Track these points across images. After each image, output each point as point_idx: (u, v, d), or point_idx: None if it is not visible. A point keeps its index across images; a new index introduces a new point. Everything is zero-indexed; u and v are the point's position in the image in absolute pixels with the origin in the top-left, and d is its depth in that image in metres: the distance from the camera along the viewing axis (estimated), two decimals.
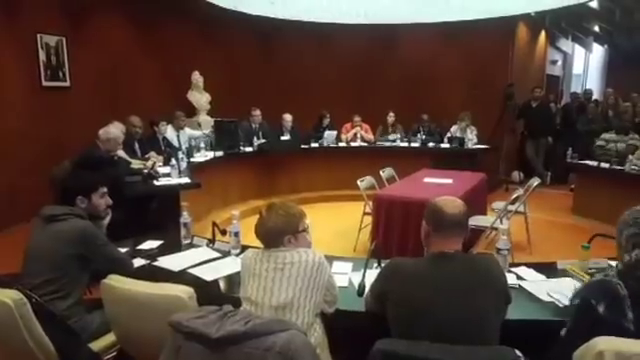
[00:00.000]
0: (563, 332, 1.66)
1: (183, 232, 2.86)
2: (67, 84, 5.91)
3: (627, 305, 1.46)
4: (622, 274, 1.55)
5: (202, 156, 5.72)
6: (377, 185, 5.06)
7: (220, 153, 5.96)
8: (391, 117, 7.50)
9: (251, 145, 6.50)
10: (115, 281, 1.94)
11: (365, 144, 7.34)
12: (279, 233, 1.85)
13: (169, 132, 5.83)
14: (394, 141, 7.27)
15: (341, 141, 7.32)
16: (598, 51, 12.15)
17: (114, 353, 2.20)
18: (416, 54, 8.36)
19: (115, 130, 4.18)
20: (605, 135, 6.29)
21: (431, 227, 1.77)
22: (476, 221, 4.42)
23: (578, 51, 11.97)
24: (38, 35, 5.50)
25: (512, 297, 1.80)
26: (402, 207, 4.16)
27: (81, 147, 4.24)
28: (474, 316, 1.59)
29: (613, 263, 2.42)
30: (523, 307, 2.01)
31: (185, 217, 2.87)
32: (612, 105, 8.06)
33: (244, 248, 2.55)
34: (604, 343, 1.39)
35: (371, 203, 4.58)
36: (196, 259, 2.58)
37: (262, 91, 8.06)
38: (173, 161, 4.53)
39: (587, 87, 10.44)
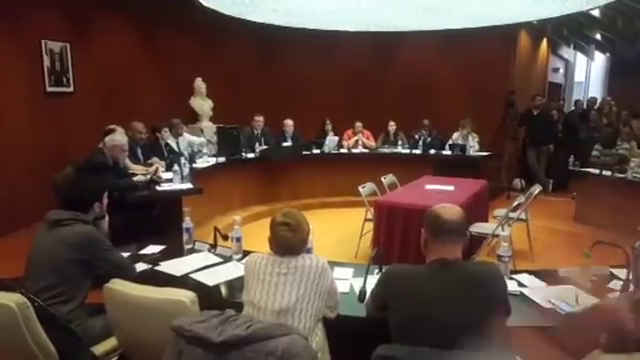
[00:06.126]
0: None
1: (185, 237, 2.88)
2: (71, 90, 5.95)
3: (633, 340, 1.41)
4: (634, 308, 1.51)
5: (204, 162, 5.75)
6: (378, 191, 5.06)
7: (222, 159, 5.99)
8: (392, 126, 7.53)
9: (253, 151, 6.52)
10: (118, 285, 1.95)
11: (366, 151, 7.36)
12: (303, 244, 1.89)
13: (171, 138, 5.86)
14: (396, 148, 7.31)
15: (342, 147, 7.34)
16: (600, 59, 12.17)
17: (116, 357, 2.21)
18: (417, 62, 8.40)
19: (120, 137, 4.22)
20: (596, 146, 6.33)
21: (429, 234, 1.78)
22: (478, 228, 4.42)
23: (580, 59, 11.99)
24: (42, 41, 5.54)
25: (513, 304, 1.81)
26: (403, 213, 4.17)
27: (84, 152, 4.26)
28: (474, 323, 1.60)
29: (614, 271, 2.43)
30: (524, 314, 2.01)
31: (187, 222, 2.88)
32: (607, 114, 8.14)
33: (246, 253, 2.56)
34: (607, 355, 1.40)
35: (372, 209, 4.58)
36: (198, 264, 2.60)
37: (264, 98, 8.09)
38: (176, 167, 4.55)
39: (591, 95, 10.47)
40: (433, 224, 1.76)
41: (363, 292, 1.99)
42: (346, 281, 2.36)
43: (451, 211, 1.78)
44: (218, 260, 2.67)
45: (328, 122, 7.45)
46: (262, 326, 1.44)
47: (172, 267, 2.56)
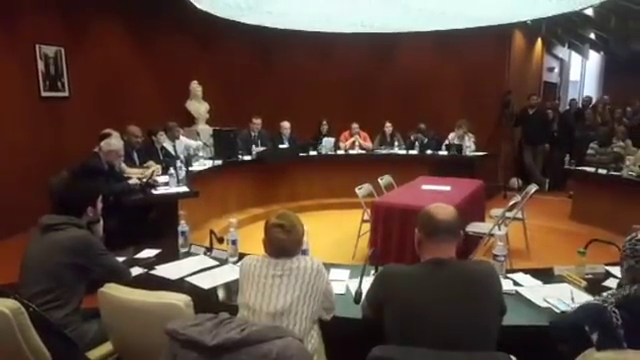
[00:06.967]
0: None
1: (181, 241, 2.87)
2: (66, 94, 5.94)
3: (621, 336, 1.45)
4: (620, 305, 1.54)
5: (201, 165, 5.73)
6: (375, 193, 5.06)
7: (219, 162, 5.98)
8: (388, 127, 7.55)
9: (250, 153, 6.51)
10: (112, 289, 1.94)
11: (363, 152, 7.36)
12: (297, 246, 1.89)
13: (167, 142, 5.85)
14: (392, 149, 7.32)
15: (339, 149, 7.34)
16: (594, 58, 12.21)
17: None
18: (414, 63, 8.41)
19: (116, 142, 4.21)
20: (592, 145, 6.35)
21: (423, 234, 1.77)
22: (474, 228, 4.42)
23: (575, 58, 12.04)
24: (37, 46, 5.53)
25: (509, 303, 1.80)
26: (400, 214, 4.16)
27: (80, 157, 4.25)
28: (471, 322, 1.59)
29: (610, 269, 2.43)
30: (520, 313, 2.01)
31: (183, 226, 2.87)
32: (601, 113, 8.18)
33: (242, 256, 2.56)
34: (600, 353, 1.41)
35: (369, 210, 4.58)
36: (194, 267, 2.59)
37: (261, 100, 8.10)
38: (172, 170, 4.54)
39: (586, 94, 10.51)
40: (427, 224, 1.76)
41: (359, 293, 1.99)
42: (342, 282, 2.35)
43: (444, 211, 1.78)
44: (214, 263, 2.66)
45: (324, 123, 7.46)
46: (257, 329, 1.43)
47: (167, 271, 2.55)
